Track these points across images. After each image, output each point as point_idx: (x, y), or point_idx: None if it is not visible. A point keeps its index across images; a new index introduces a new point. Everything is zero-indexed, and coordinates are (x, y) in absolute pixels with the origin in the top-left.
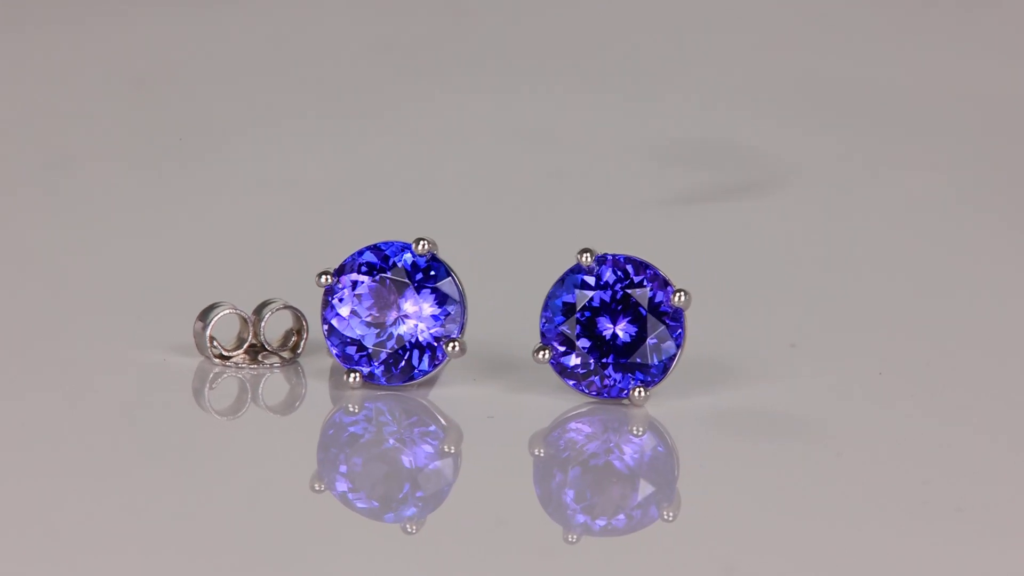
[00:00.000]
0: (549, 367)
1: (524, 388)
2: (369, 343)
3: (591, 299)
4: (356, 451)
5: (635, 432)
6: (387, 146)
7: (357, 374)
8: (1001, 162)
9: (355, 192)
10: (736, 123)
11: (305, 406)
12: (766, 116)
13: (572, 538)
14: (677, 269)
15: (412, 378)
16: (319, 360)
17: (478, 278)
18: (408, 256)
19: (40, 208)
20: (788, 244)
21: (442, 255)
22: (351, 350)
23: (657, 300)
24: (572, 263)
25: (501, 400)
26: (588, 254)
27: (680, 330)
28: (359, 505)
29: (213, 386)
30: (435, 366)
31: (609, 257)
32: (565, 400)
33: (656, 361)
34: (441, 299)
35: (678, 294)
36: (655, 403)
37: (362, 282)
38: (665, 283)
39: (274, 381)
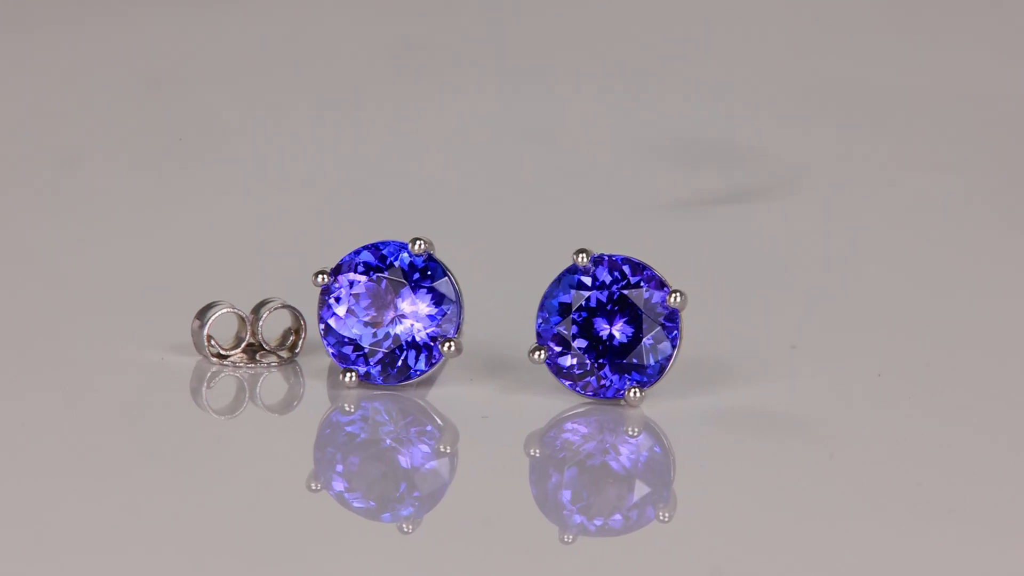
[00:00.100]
0: (545, 367)
1: (520, 388)
2: (366, 343)
3: (587, 299)
4: (353, 450)
5: (631, 433)
6: (387, 146)
7: (353, 373)
8: (1001, 162)
9: (354, 192)
10: (736, 123)
11: (303, 405)
12: (766, 116)
13: (568, 538)
14: (677, 269)
15: (409, 378)
16: (317, 359)
17: (475, 278)
18: (405, 256)
19: (40, 208)
20: (788, 244)
21: (439, 255)
22: (347, 350)
23: (653, 301)
24: (569, 263)
25: (497, 400)
26: (584, 254)
27: (676, 331)
28: (356, 504)
29: (211, 385)
30: (431, 366)
31: (606, 258)
32: (561, 400)
33: (652, 362)
34: (438, 299)
35: (674, 295)
36: (652, 404)
37: (359, 282)
38: (661, 284)
39: (272, 380)
